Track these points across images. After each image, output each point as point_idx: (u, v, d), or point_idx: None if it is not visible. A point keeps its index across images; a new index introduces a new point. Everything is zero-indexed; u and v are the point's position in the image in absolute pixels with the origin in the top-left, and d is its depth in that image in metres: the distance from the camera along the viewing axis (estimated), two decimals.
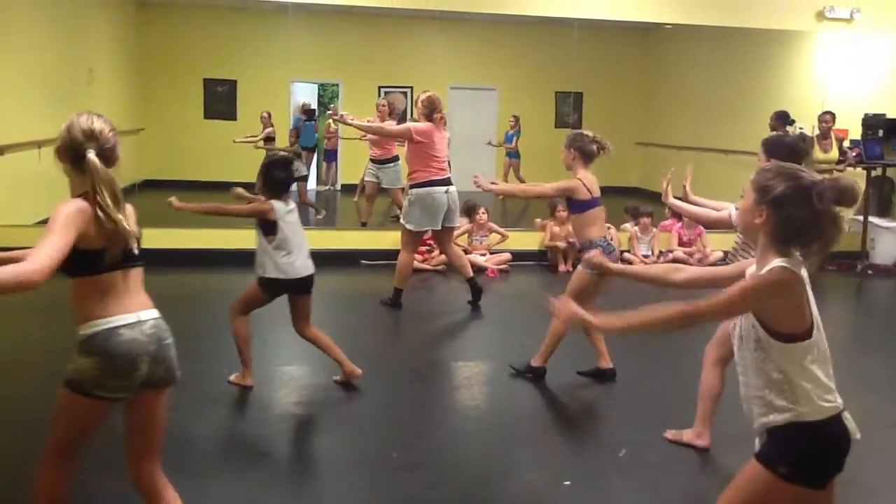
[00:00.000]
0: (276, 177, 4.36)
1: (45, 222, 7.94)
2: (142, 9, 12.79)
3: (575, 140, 4.63)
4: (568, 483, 3.51)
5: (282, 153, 4.62)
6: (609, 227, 6.13)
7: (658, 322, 2.17)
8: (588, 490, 3.49)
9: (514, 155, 12.43)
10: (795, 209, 2.06)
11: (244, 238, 8.06)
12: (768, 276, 2.08)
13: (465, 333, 6.22)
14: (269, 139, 10.28)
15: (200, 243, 7.92)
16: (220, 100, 12.92)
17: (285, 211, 4.32)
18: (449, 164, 6.46)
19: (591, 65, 13.30)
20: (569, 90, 14.33)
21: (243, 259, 8.15)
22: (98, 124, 2.38)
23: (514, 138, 12.49)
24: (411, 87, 14.52)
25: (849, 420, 2.15)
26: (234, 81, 13.25)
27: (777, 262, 2.07)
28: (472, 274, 6.57)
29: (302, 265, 4.38)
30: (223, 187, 10.09)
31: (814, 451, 2.12)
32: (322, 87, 14.67)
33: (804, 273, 2.10)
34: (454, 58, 14.30)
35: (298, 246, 4.36)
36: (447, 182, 6.30)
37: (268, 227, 4.30)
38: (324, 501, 3.35)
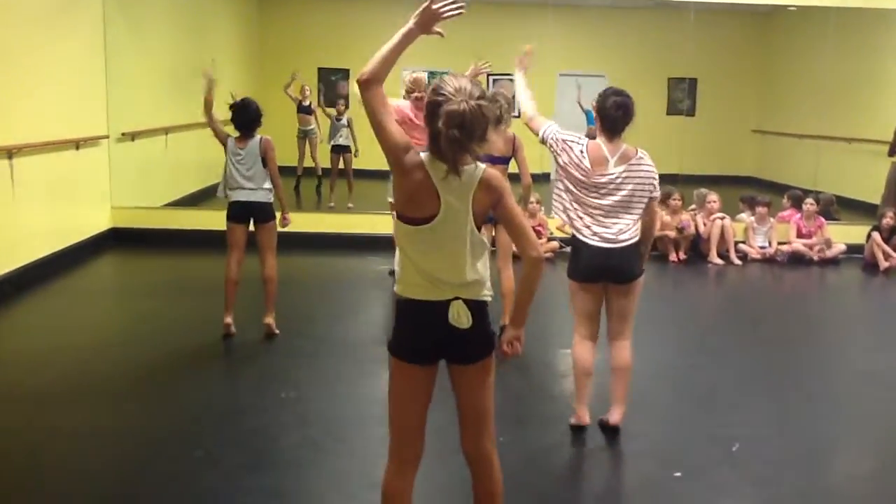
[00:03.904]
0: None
1: (173, 204, 8.43)
2: (264, 2, 13.29)
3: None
4: (679, 474, 3.48)
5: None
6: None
7: None
8: (699, 482, 3.45)
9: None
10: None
11: (367, 223, 8.27)
12: None
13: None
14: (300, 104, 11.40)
15: (320, 227, 8.13)
16: (334, 88, 13.29)
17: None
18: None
19: (707, 50, 12.88)
20: (683, 76, 13.95)
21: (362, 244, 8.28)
22: None
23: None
24: None
25: None
26: (347, 70, 13.57)
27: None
28: None
29: None
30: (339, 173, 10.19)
31: None
32: (431, 74, 14.84)
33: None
34: (563, 44, 14.13)
35: None
36: None
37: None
38: (428, 486, 3.42)
